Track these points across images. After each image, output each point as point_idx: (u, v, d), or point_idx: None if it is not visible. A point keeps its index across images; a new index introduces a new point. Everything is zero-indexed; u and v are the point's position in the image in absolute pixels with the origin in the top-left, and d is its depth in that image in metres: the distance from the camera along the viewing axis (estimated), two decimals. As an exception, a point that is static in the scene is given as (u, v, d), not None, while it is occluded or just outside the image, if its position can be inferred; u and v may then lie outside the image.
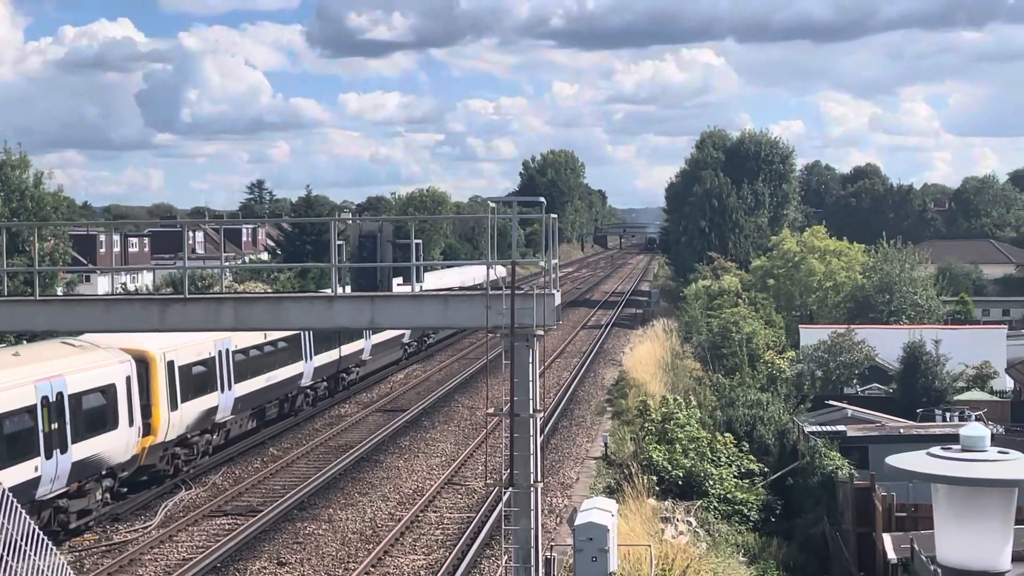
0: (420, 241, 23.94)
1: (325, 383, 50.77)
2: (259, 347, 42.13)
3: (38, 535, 12.80)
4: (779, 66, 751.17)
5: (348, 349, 52.41)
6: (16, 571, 12.82)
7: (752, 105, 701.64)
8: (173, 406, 35.04)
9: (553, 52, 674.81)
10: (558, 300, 20.90)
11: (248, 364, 41.04)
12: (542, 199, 21.60)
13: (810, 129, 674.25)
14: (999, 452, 8.13)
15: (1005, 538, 7.38)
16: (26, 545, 12.74)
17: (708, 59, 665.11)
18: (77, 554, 29.19)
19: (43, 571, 12.78)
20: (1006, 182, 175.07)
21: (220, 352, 38.68)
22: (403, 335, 63.14)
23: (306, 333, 45.65)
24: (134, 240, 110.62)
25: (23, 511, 13.45)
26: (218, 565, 28.29)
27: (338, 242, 22.11)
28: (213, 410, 38.27)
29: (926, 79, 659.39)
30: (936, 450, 8.05)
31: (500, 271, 21.83)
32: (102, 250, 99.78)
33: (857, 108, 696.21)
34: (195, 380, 36.81)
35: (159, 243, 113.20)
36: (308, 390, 48.41)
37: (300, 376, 46.37)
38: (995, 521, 7.04)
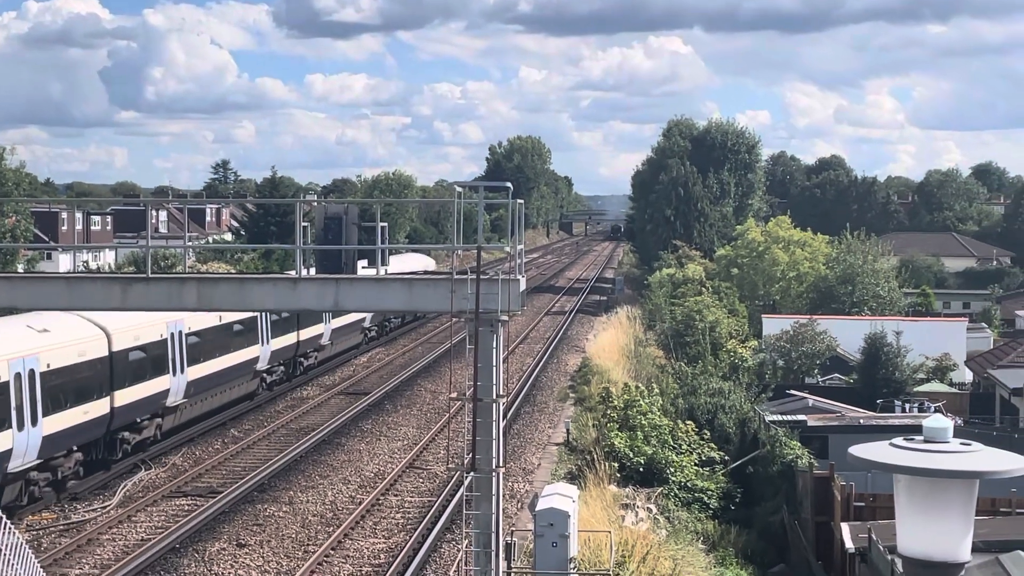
0: (386, 224, 23.81)
1: (77, 453, 32.36)
2: None
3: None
4: (746, 56, 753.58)
5: (134, 394, 34.79)
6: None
7: (719, 94, 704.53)
8: None
9: (521, 37, 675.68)
10: (523, 285, 20.84)
11: None
12: (509, 184, 21.53)
13: (776, 120, 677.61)
14: (961, 443, 8.14)
15: (966, 529, 7.35)
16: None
17: (676, 47, 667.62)
18: (34, 533, 28.96)
19: (0, 550, 12.66)
20: (969, 176, 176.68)
21: None
22: (256, 359, 44.70)
23: (19, 380, 29.08)
24: (97, 218, 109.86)
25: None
26: (177, 546, 28.15)
27: (303, 224, 22.00)
28: None
29: (891, 72, 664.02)
30: (899, 440, 8.02)
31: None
32: (64, 228, 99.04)
33: (823, 99, 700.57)
34: None
35: (122, 222, 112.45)
36: (33, 471, 30.21)
37: (9, 454, 28.81)
38: (957, 512, 7.00)
